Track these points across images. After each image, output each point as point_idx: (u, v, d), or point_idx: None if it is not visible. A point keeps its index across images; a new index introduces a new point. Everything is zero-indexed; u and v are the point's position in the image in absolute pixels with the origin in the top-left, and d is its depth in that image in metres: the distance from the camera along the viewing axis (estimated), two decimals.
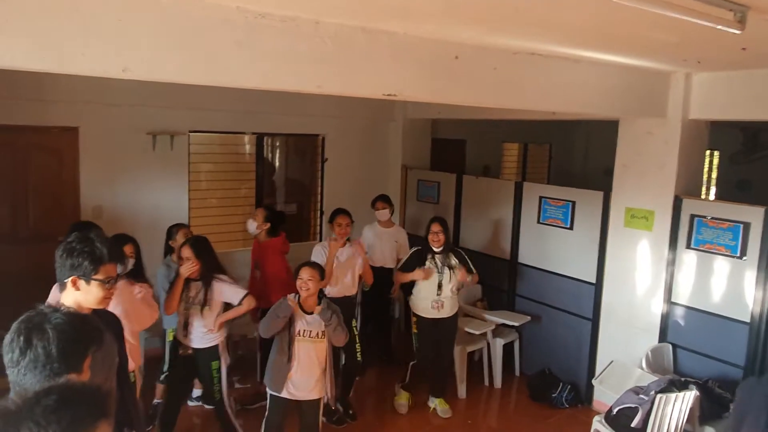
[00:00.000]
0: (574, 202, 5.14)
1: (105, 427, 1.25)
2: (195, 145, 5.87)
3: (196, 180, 5.92)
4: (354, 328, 4.67)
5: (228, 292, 3.81)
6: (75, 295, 2.13)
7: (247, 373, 5.16)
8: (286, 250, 5.08)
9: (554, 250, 5.32)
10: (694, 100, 4.29)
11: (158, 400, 4.41)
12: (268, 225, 4.90)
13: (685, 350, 4.41)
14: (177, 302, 3.73)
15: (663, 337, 4.51)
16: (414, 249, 4.83)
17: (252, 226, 4.90)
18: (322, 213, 6.79)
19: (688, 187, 4.47)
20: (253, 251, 5.08)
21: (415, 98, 3.37)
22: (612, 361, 4.52)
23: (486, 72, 3.36)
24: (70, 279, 2.10)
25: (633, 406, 3.75)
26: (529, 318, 5.37)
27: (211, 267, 3.78)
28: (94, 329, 1.75)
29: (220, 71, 2.56)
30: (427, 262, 4.66)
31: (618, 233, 4.78)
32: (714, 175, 9.27)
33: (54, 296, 2.93)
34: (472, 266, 4.83)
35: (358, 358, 4.70)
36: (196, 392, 4.60)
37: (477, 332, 5.14)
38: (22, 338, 1.60)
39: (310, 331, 3.60)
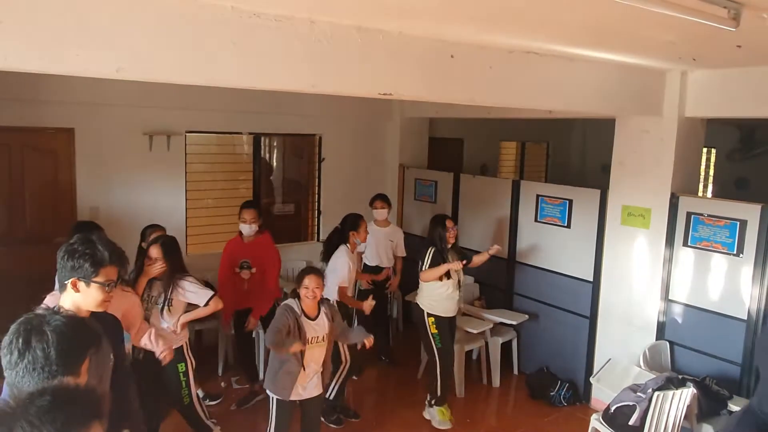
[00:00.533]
0: (571, 201, 5.15)
1: (97, 428, 1.25)
2: (192, 145, 5.86)
3: (193, 180, 5.91)
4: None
5: (192, 293, 3.73)
6: (74, 296, 2.13)
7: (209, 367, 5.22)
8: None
9: (552, 248, 5.32)
10: (690, 98, 4.29)
11: None
12: (260, 221, 4.79)
13: (683, 348, 4.42)
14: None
15: (660, 334, 4.52)
16: (431, 249, 4.64)
17: (250, 228, 4.76)
18: (319, 213, 6.78)
19: (684, 184, 4.48)
20: (235, 251, 4.75)
21: (410, 97, 3.37)
22: (610, 359, 4.53)
23: (481, 71, 3.36)
24: (70, 281, 2.10)
25: (631, 404, 3.76)
26: (527, 316, 5.37)
27: (177, 267, 3.72)
28: (92, 332, 1.75)
29: (214, 71, 2.55)
30: (449, 258, 4.63)
31: (615, 231, 4.78)
32: (711, 172, 9.27)
33: (51, 299, 2.94)
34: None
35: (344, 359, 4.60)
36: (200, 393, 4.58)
37: (475, 331, 5.14)
38: (20, 340, 1.59)
39: (318, 336, 3.59)
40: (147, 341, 3.13)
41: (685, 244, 4.35)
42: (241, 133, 6.26)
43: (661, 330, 4.52)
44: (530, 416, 4.88)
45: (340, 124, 6.68)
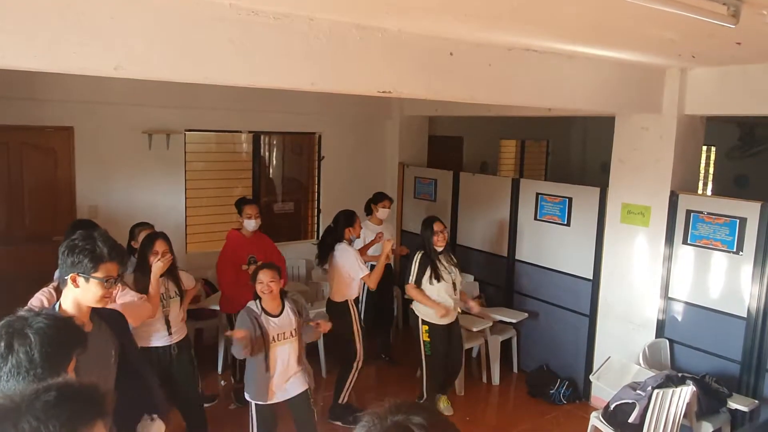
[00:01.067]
0: (570, 199, 5.14)
1: (101, 426, 1.25)
2: (191, 143, 5.86)
3: (193, 179, 5.91)
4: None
5: (187, 278, 3.96)
6: (74, 292, 2.13)
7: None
8: None
9: (551, 246, 5.31)
10: (690, 96, 4.29)
11: None
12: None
13: (682, 346, 4.42)
14: (158, 301, 3.61)
15: (660, 332, 4.52)
16: (418, 254, 4.59)
17: (254, 223, 4.77)
18: (319, 211, 6.78)
19: (684, 182, 4.47)
20: (239, 248, 4.75)
21: (409, 95, 3.37)
22: (609, 357, 4.53)
23: (481, 68, 3.36)
24: (69, 276, 2.10)
25: (630, 401, 3.76)
26: (526, 315, 5.37)
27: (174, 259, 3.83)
28: (77, 332, 1.73)
29: (213, 69, 2.55)
30: (439, 266, 4.51)
31: (615, 229, 4.78)
32: (711, 170, 9.27)
33: (37, 300, 2.94)
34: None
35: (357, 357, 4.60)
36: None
37: (475, 329, 5.14)
38: (2, 344, 1.58)
39: (284, 333, 3.48)
40: None
41: (684, 242, 4.35)
42: (240, 132, 6.26)
43: (660, 328, 4.52)
44: (530, 414, 4.88)
45: (340, 122, 6.68)
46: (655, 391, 3.67)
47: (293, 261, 6.12)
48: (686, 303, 4.38)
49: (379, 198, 5.61)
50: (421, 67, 3.11)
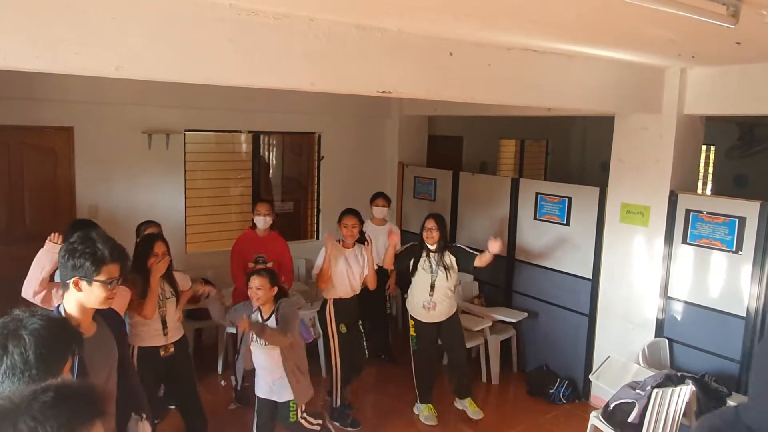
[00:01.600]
0: (570, 198, 5.15)
1: (100, 427, 1.25)
2: (191, 143, 5.86)
3: (192, 179, 5.91)
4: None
5: (183, 278, 3.94)
6: (77, 296, 2.12)
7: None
8: None
9: (551, 246, 5.32)
10: (689, 95, 4.29)
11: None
12: (273, 215, 4.88)
13: (682, 345, 4.42)
14: (156, 302, 3.62)
15: (659, 332, 4.52)
16: (410, 243, 4.76)
17: (264, 220, 4.79)
18: (318, 211, 6.78)
19: (683, 182, 4.48)
20: (248, 246, 4.79)
21: (409, 95, 3.37)
22: (609, 357, 4.53)
23: (480, 68, 3.36)
24: (72, 280, 2.09)
25: (630, 401, 3.76)
26: (526, 314, 5.37)
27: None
28: (72, 333, 1.73)
29: (213, 69, 2.55)
30: (422, 260, 4.60)
31: (614, 229, 4.78)
32: (710, 170, 9.27)
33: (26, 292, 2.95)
34: (473, 251, 4.68)
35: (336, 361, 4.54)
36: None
37: (474, 329, 5.14)
38: None
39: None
40: None
41: (684, 241, 4.36)
42: (240, 132, 6.26)
43: (660, 327, 4.52)
44: (529, 413, 4.88)
45: (340, 122, 6.68)
46: (655, 390, 3.67)
47: (295, 261, 6.10)
48: (686, 302, 4.39)
49: (373, 197, 5.63)
50: (421, 67, 3.11)
